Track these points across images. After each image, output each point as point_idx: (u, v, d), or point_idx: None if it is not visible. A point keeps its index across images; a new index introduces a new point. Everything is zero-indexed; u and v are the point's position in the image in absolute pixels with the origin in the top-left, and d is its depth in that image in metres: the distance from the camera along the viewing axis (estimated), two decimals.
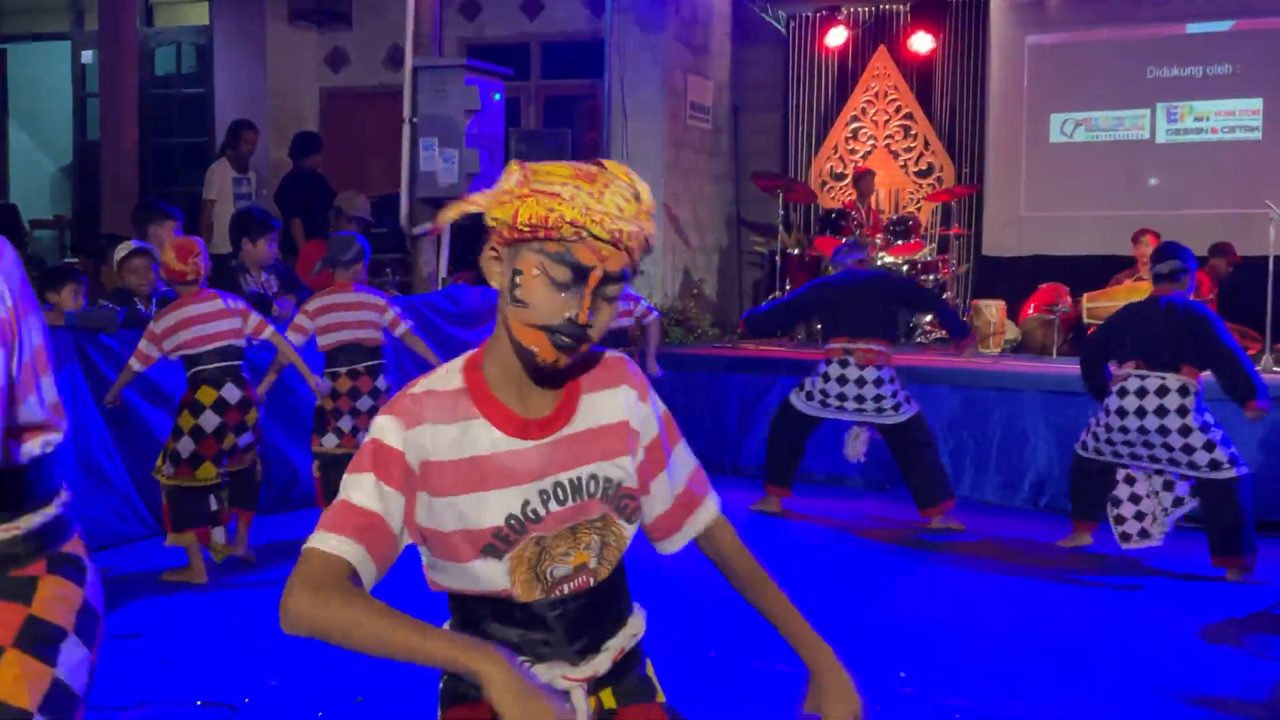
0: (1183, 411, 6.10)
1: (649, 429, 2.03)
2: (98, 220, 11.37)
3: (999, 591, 6.04)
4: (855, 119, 12.55)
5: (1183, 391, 6.11)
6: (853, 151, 12.51)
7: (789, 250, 11.34)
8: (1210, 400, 6.28)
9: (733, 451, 8.90)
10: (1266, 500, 6.83)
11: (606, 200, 1.78)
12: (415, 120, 8.92)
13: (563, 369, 1.87)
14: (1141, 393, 6.18)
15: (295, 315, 6.49)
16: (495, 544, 1.88)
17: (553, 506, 1.90)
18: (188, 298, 5.86)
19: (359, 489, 1.86)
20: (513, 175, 1.83)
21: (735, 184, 12.91)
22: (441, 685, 2.01)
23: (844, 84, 12.60)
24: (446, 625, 1.99)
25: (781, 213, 11.69)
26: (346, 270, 6.50)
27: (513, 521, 1.88)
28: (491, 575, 1.89)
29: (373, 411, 6.50)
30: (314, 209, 9.58)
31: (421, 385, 1.91)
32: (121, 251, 6.89)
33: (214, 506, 5.96)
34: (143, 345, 5.86)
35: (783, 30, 12.72)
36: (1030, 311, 10.43)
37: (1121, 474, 6.41)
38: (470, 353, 1.95)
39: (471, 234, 10.53)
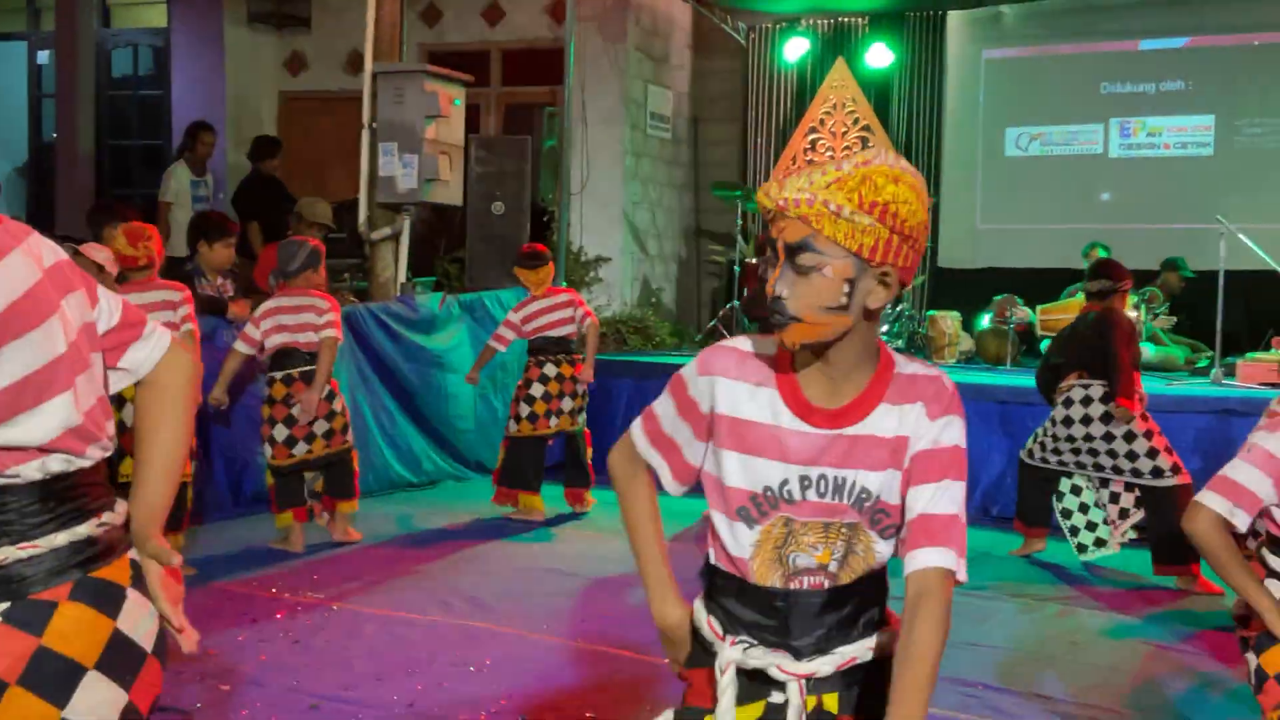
0: (1111, 418, 6.23)
1: (920, 442, 1.93)
2: (52, 222, 11.29)
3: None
4: (814, 130, 12.60)
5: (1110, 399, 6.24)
6: (811, 162, 12.57)
7: (747, 260, 11.39)
8: (1154, 410, 6.38)
9: None
10: None
11: (807, 175, 1.84)
12: (374, 125, 8.90)
13: (814, 346, 1.89)
14: (1086, 401, 6.31)
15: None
16: (749, 509, 1.95)
17: (810, 495, 1.93)
18: (137, 284, 5.82)
19: (662, 405, 2.08)
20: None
21: (694, 193, 12.96)
22: (691, 646, 2.11)
23: (802, 95, 12.67)
24: (700, 599, 2.10)
25: (740, 222, 11.74)
26: (295, 279, 6.49)
27: (769, 493, 1.93)
28: (739, 541, 1.97)
29: (310, 420, 6.45)
30: (272, 213, 9.54)
31: (737, 340, 2.02)
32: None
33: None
34: None
35: (742, 42, 12.79)
36: (985, 323, 10.52)
37: (1068, 485, 6.52)
38: None
39: (429, 239, 10.53)
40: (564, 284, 9.87)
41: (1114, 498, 6.39)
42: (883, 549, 1.98)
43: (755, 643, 1.97)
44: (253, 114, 12.40)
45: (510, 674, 4.64)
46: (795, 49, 12.43)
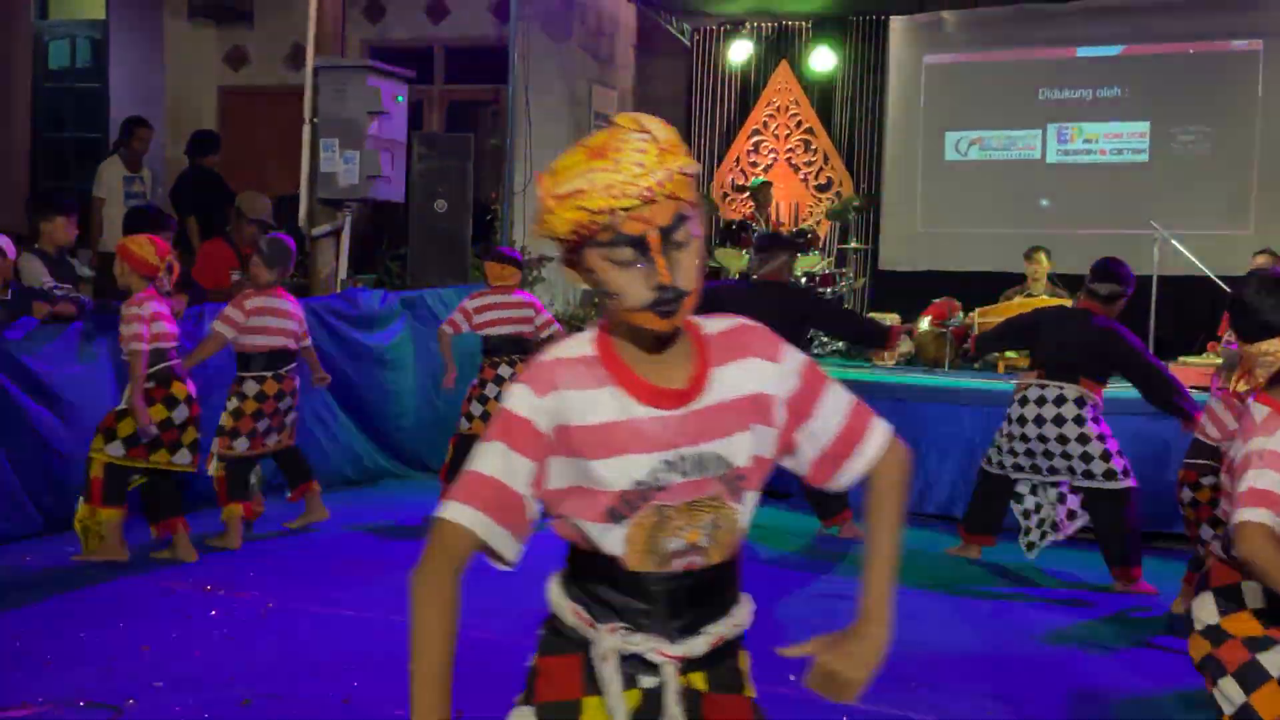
0: (1079, 421, 6.26)
1: (786, 386, 2.00)
2: None
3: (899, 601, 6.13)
4: (757, 132, 12.69)
5: (1079, 402, 6.27)
6: (754, 164, 12.64)
7: None
8: (1108, 414, 6.44)
9: None
10: (1147, 512, 7.02)
11: (624, 165, 1.78)
12: (316, 121, 8.84)
13: (677, 328, 1.89)
14: (1040, 401, 6.35)
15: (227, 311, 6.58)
16: (619, 508, 1.90)
17: (676, 478, 1.91)
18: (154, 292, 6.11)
19: (487, 458, 1.90)
20: (541, 187, 1.85)
21: None
22: (541, 633, 2.03)
23: (746, 98, 12.74)
24: (555, 574, 2.03)
25: None
26: (283, 275, 6.72)
27: (639, 487, 1.90)
28: (609, 541, 1.92)
29: (290, 411, 6.73)
30: (210, 208, 9.46)
31: (553, 353, 1.94)
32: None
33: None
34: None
35: (687, 43, 12.83)
36: (924, 325, 10.60)
37: (1027, 486, 6.55)
38: (599, 323, 1.97)
39: (371, 235, 10.47)
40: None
41: (1060, 498, 6.45)
42: (743, 517, 2.00)
43: (631, 628, 1.93)
44: (192, 108, 12.27)
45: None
46: (739, 51, 12.50)
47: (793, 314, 7.16)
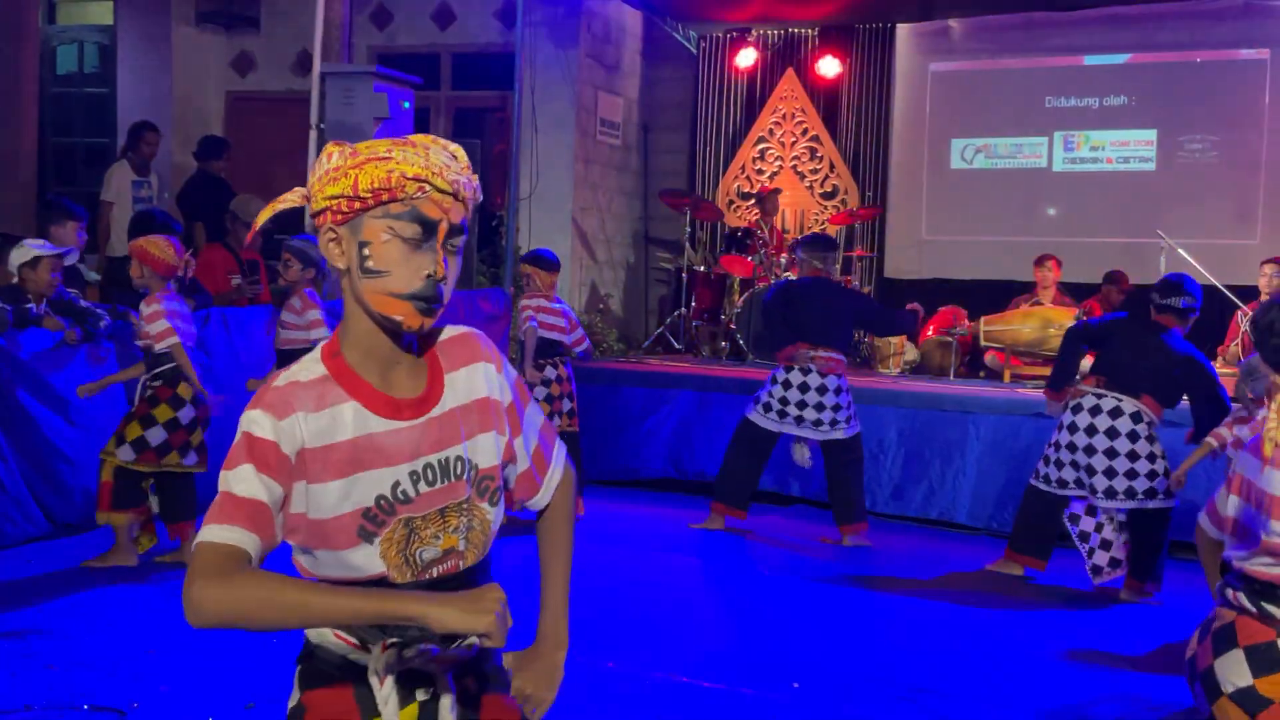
0: (1133, 437, 6.11)
1: (505, 397, 2.04)
2: None
3: (900, 609, 6.13)
4: (763, 140, 12.70)
5: (1135, 417, 6.13)
6: (760, 172, 12.64)
7: (695, 268, 11.43)
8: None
9: (633, 460, 8.96)
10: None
11: (433, 158, 1.84)
12: (322, 126, 8.85)
13: (424, 334, 1.92)
14: (1095, 411, 6.18)
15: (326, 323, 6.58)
16: (365, 525, 1.87)
17: (422, 488, 1.91)
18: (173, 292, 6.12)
19: (239, 480, 1.83)
20: (333, 155, 1.87)
21: (643, 201, 12.98)
22: (300, 668, 2.00)
23: (752, 105, 12.74)
24: None
25: (688, 230, 11.78)
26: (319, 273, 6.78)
27: (382, 502, 1.88)
28: (366, 562, 1.89)
29: None
30: (217, 213, 9.46)
31: (284, 377, 1.89)
32: (38, 251, 6.72)
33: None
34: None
35: (693, 50, 12.84)
36: (929, 333, 10.61)
37: (1081, 506, 6.33)
38: (324, 342, 1.94)
39: None
40: (511, 289, 9.86)
41: (1112, 518, 6.28)
42: (494, 515, 2.01)
43: (403, 642, 1.90)
44: (200, 114, 12.29)
45: None
46: (745, 59, 12.50)
47: (848, 311, 7.34)
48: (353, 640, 1.92)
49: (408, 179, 1.81)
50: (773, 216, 11.47)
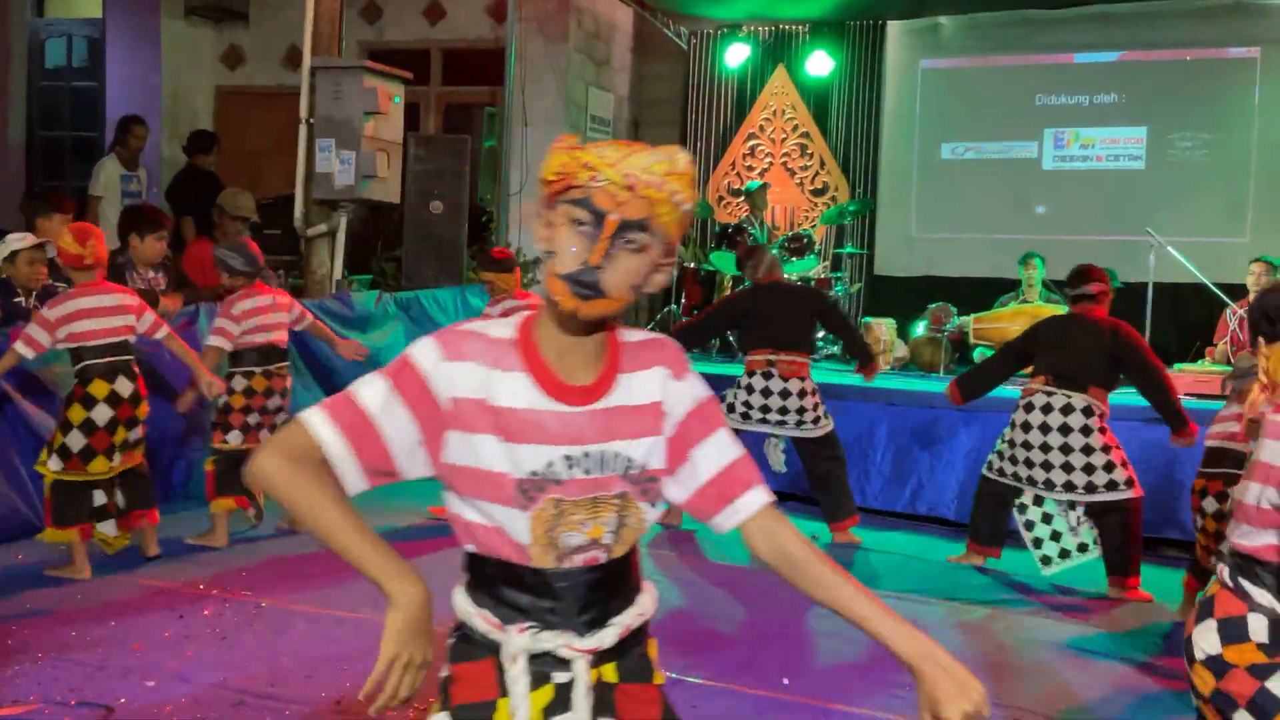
0: (1086, 431, 6.18)
1: (680, 407, 2.02)
2: None
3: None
4: (753, 136, 12.69)
5: (1087, 412, 6.19)
6: (750, 168, 12.64)
7: (685, 264, 11.42)
8: (1114, 420, 6.41)
9: None
10: (1146, 518, 7.01)
11: (634, 159, 1.85)
12: (312, 121, 8.83)
13: (586, 322, 1.90)
14: (1047, 409, 6.26)
15: (217, 320, 6.49)
16: (517, 495, 1.91)
17: (576, 473, 1.93)
18: (85, 287, 5.75)
19: (370, 389, 1.91)
20: (559, 140, 1.92)
21: None
22: (451, 641, 2.04)
23: (743, 102, 12.74)
24: (460, 585, 2.03)
25: None
26: (254, 270, 6.59)
27: (535, 477, 1.91)
28: (514, 524, 1.92)
29: (280, 411, 6.67)
30: (206, 208, 9.43)
31: (473, 326, 1.96)
32: (14, 244, 6.69)
33: (99, 501, 5.88)
34: (34, 330, 5.68)
35: (684, 46, 12.82)
36: (919, 330, 10.62)
37: (1029, 495, 6.43)
38: (528, 313, 1.99)
39: (366, 237, 10.45)
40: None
41: (1071, 504, 6.35)
42: (650, 516, 2.01)
43: (540, 626, 1.95)
44: (189, 108, 12.26)
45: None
46: (736, 55, 12.50)
47: (805, 309, 7.35)
48: (495, 621, 1.96)
49: (581, 165, 1.84)
50: (762, 212, 11.47)
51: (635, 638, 2.04)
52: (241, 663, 4.69)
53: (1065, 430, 6.21)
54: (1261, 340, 3.18)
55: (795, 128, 12.55)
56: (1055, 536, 6.40)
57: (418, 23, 12.06)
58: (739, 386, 7.27)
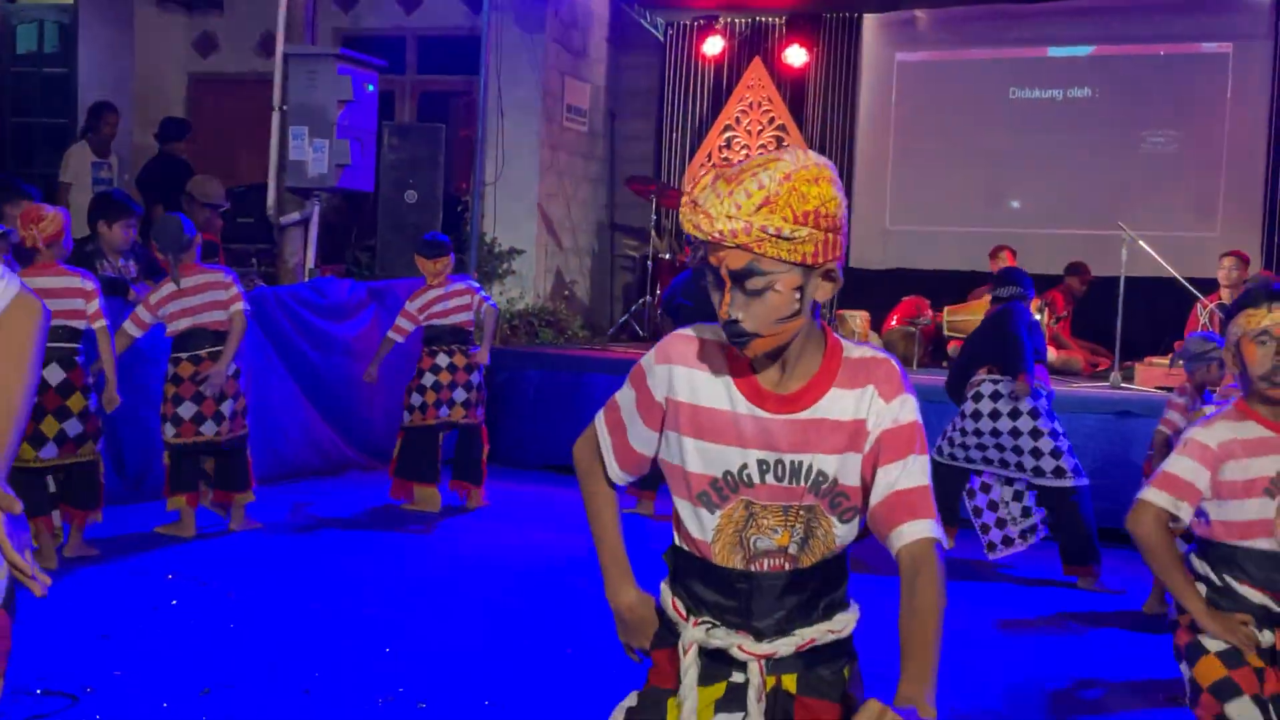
0: (1034, 414, 6.32)
1: (880, 426, 1.97)
2: None
3: (861, 591, 6.14)
4: (729, 128, 12.68)
5: (1013, 396, 6.35)
6: (726, 160, 12.62)
7: (660, 255, 11.41)
8: (1057, 410, 6.49)
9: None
10: (1108, 508, 7.05)
11: (727, 200, 1.84)
12: (285, 108, 8.79)
13: (758, 356, 1.93)
14: (995, 396, 6.41)
15: (137, 308, 6.36)
16: (709, 494, 1.99)
17: (769, 479, 1.97)
18: (34, 269, 5.66)
19: (623, 394, 2.12)
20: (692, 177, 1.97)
21: (609, 188, 12.94)
22: (656, 629, 2.15)
23: (719, 93, 12.72)
24: (666, 581, 2.13)
25: (654, 218, 11.76)
26: (185, 258, 6.37)
27: (728, 478, 1.97)
28: (700, 528, 2.01)
29: (220, 398, 6.39)
30: (178, 195, 9.37)
31: (692, 328, 2.04)
32: None
33: (51, 489, 5.82)
34: None
35: (660, 37, 12.81)
36: (893, 323, 10.65)
37: (977, 482, 6.61)
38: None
39: (339, 226, 10.41)
40: (476, 276, 9.82)
41: (1017, 495, 6.50)
42: (842, 532, 2.01)
43: (717, 623, 2.01)
44: (161, 94, 12.17)
45: (407, 662, 4.61)
46: (713, 47, 12.48)
47: None
48: (682, 611, 2.05)
49: (686, 221, 1.89)
50: None
51: (825, 653, 2.04)
52: (209, 652, 4.67)
53: (1014, 414, 6.36)
54: None
55: (771, 120, 12.55)
56: (1000, 524, 6.54)
57: (393, 10, 12.01)
58: None
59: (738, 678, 2.00)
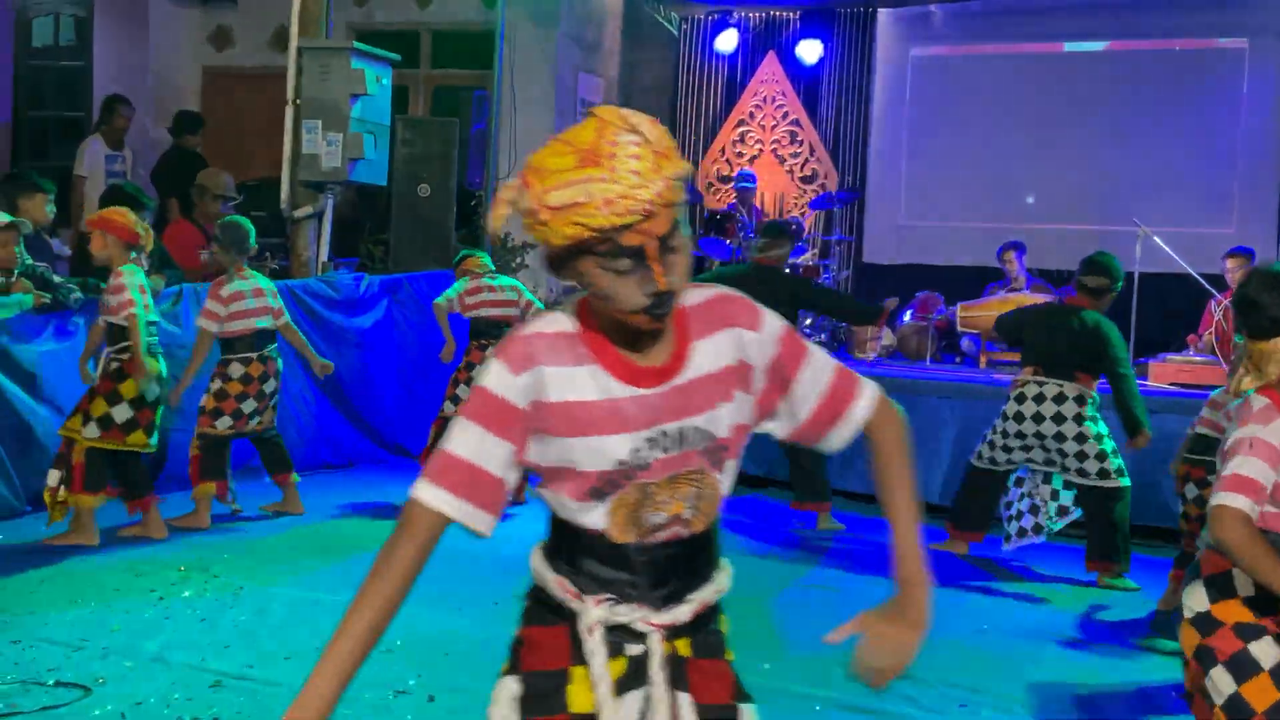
0: (1079, 419, 6.21)
1: (765, 354, 1.99)
2: None
3: (873, 589, 6.13)
4: (743, 123, 12.67)
5: (1080, 400, 6.23)
6: (740, 155, 12.62)
7: None
8: (1104, 409, 6.42)
9: None
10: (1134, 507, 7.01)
11: (621, 174, 1.72)
12: (299, 102, 8.79)
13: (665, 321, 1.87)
14: (1040, 399, 6.29)
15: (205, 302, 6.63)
16: (602, 487, 1.90)
17: (658, 454, 1.91)
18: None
19: (463, 439, 1.88)
20: (524, 195, 1.76)
21: None
22: (525, 605, 2.03)
23: (733, 88, 12.71)
24: (538, 546, 2.02)
25: None
26: (244, 254, 6.70)
27: (622, 466, 1.90)
28: (594, 515, 1.93)
29: (275, 394, 6.76)
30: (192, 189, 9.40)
31: (533, 326, 1.91)
32: None
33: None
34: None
35: (674, 32, 12.79)
36: (907, 319, 10.62)
37: (1012, 477, 6.50)
38: (578, 298, 1.92)
39: (352, 220, 10.42)
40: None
41: (1054, 495, 6.40)
42: (726, 484, 2.01)
43: (617, 599, 1.94)
44: (176, 88, 12.19)
45: (420, 655, 4.61)
46: (726, 41, 12.46)
47: (785, 295, 7.27)
48: (572, 589, 1.95)
49: (594, 230, 1.72)
50: (751, 200, 11.44)
51: (710, 614, 2.04)
52: (221, 644, 4.68)
53: (1059, 419, 6.25)
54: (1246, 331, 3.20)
55: (785, 115, 12.53)
56: (1034, 510, 6.45)
57: (406, 5, 12.01)
58: None
59: (633, 650, 1.95)
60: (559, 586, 1.96)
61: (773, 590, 5.99)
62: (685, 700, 1.98)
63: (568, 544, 1.97)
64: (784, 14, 12.50)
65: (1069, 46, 11.76)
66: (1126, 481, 6.25)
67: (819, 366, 2.05)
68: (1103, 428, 6.30)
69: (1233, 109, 11.23)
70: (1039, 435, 6.29)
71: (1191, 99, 11.31)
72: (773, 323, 2.01)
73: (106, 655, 4.50)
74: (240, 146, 11.45)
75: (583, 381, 1.88)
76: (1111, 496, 6.24)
